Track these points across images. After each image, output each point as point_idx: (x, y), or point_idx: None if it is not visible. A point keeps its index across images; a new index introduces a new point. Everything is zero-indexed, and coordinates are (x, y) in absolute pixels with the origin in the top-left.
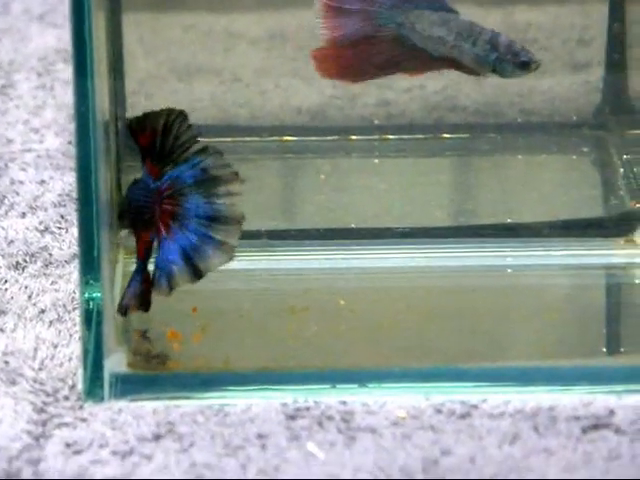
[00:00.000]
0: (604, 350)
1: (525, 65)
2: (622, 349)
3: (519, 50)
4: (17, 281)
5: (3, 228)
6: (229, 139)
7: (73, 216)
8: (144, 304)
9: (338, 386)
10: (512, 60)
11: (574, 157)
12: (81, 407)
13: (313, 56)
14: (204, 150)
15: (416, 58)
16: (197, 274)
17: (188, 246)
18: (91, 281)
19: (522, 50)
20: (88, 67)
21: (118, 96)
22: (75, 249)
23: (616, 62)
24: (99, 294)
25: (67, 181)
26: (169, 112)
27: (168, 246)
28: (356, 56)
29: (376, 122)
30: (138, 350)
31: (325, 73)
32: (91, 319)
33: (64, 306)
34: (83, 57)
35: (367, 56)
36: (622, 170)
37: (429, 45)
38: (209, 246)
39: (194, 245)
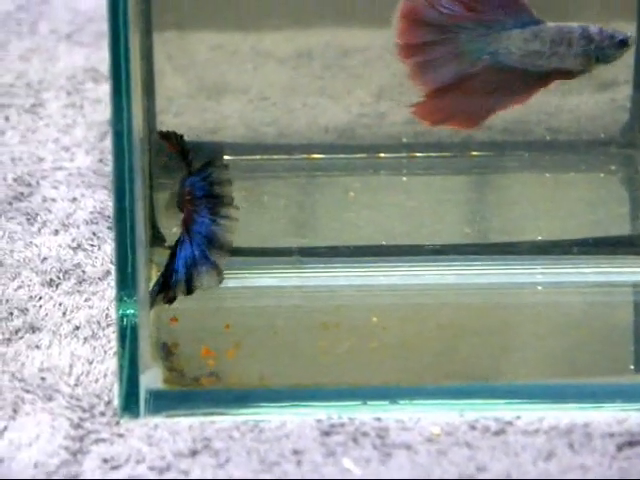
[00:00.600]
0: (632, 368)
1: (624, 43)
2: None
3: (612, 33)
4: (51, 298)
5: (36, 245)
6: (257, 157)
7: (105, 233)
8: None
9: (369, 403)
10: (610, 44)
11: (602, 175)
12: (117, 423)
13: (415, 112)
14: (212, 162)
15: (519, 80)
16: (189, 289)
17: (190, 259)
18: (125, 298)
19: (614, 32)
20: (124, 86)
21: (149, 114)
22: (107, 266)
23: None
24: (134, 311)
25: (98, 199)
26: None
27: (180, 253)
28: (460, 100)
29: (404, 140)
30: (173, 367)
31: (437, 124)
32: (126, 336)
33: (98, 323)
34: (119, 76)
35: (472, 95)
36: None
37: (528, 63)
38: (204, 265)
39: (195, 259)
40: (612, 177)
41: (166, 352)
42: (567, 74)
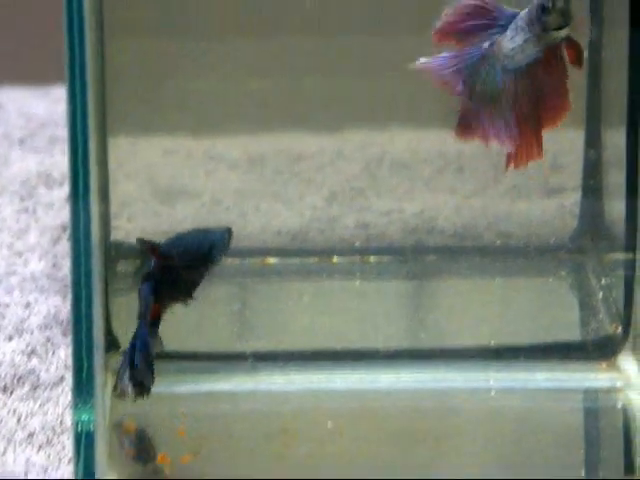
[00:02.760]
0: (583, 474)
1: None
2: (601, 474)
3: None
4: (5, 404)
5: None
6: None
7: (59, 339)
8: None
9: None
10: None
11: (552, 280)
12: None
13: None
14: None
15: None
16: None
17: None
18: (81, 404)
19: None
20: (81, 190)
21: (104, 219)
22: (62, 372)
23: (592, 187)
24: (89, 417)
25: (52, 303)
26: None
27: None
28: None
29: (357, 244)
30: (130, 473)
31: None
32: (81, 442)
33: (53, 429)
34: (78, 181)
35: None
36: (601, 294)
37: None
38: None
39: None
40: (562, 282)
41: (123, 458)
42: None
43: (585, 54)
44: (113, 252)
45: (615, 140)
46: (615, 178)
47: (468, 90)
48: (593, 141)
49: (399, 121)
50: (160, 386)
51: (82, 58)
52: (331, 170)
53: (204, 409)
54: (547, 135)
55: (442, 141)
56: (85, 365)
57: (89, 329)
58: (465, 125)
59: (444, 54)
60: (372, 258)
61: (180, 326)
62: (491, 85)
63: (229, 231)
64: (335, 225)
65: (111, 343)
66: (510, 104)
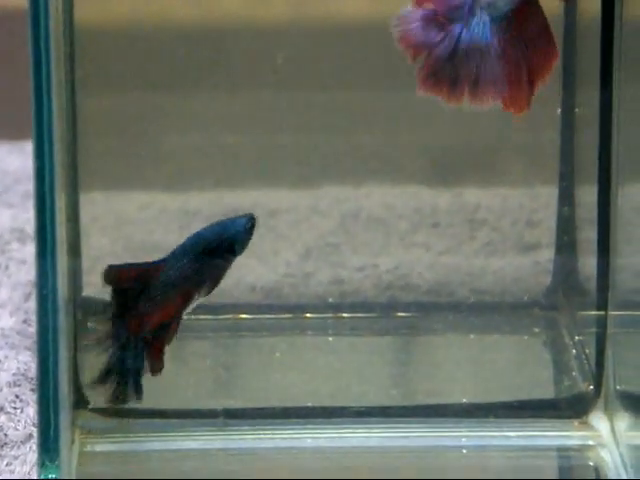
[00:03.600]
0: None
1: None
2: None
3: None
4: None
5: None
6: (184, 317)
7: (28, 396)
8: None
9: None
10: None
11: (526, 337)
12: None
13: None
14: None
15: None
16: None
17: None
18: (47, 462)
19: None
20: (49, 247)
21: (76, 274)
22: (30, 429)
23: (565, 244)
24: (56, 475)
25: (22, 360)
26: None
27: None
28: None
29: (330, 300)
30: None
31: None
32: None
33: None
34: (45, 238)
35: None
36: (574, 351)
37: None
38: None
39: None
40: (536, 339)
41: None
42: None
43: (558, 112)
44: (84, 308)
45: (588, 197)
46: (588, 235)
47: (450, 46)
48: (566, 198)
49: (374, 177)
50: (129, 444)
51: (49, 114)
52: (306, 225)
53: (173, 467)
54: (521, 192)
55: (417, 197)
56: (52, 423)
57: (55, 386)
58: (433, 80)
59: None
60: (345, 314)
61: (151, 383)
62: (479, 38)
63: (251, 218)
64: (309, 281)
65: (79, 400)
66: (499, 56)
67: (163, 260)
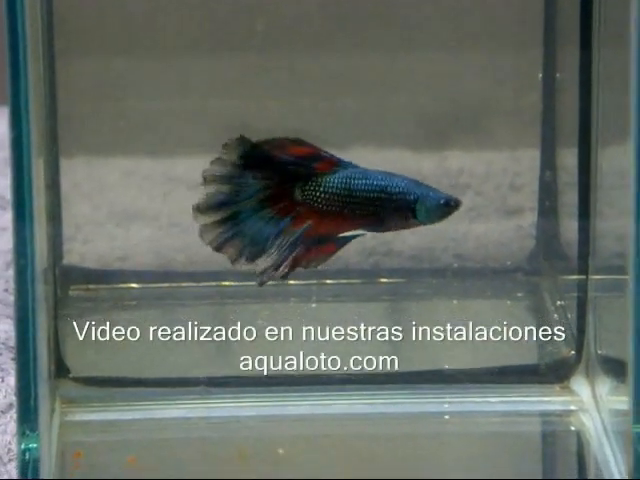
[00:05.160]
0: None
1: None
2: None
3: None
4: None
5: None
6: (166, 284)
7: (9, 365)
8: None
9: None
10: None
11: (509, 302)
12: None
13: None
14: None
15: None
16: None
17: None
18: (28, 432)
19: None
20: (27, 215)
21: (56, 242)
22: (11, 399)
23: (548, 208)
24: (36, 445)
25: (2, 329)
26: None
27: None
28: None
29: None
30: None
31: None
32: (27, 470)
33: (0, 458)
34: (23, 204)
35: None
36: (556, 316)
37: None
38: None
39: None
40: (519, 304)
41: None
42: None
43: (540, 76)
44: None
45: (570, 161)
46: (570, 199)
47: None
48: (549, 162)
49: (358, 141)
50: (110, 413)
51: (25, 82)
52: None
53: (155, 436)
54: (505, 155)
55: (401, 161)
56: (31, 393)
57: (35, 356)
58: None
59: None
60: (329, 281)
61: (131, 352)
62: None
63: (453, 200)
64: None
65: (60, 369)
66: None
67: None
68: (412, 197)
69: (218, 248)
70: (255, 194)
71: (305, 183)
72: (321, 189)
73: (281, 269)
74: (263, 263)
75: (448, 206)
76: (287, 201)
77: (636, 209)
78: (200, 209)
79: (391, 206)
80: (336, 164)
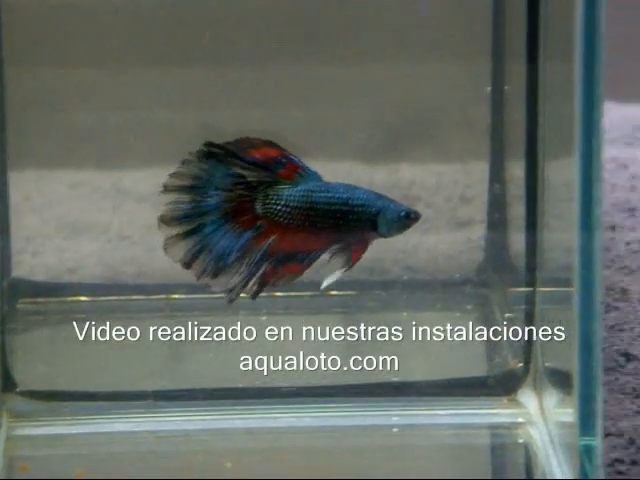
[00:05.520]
0: None
1: None
2: None
3: None
4: None
5: None
6: (114, 298)
7: None
8: None
9: None
10: None
11: (458, 314)
12: None
13: None
14: None
15: None
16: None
17: None
18: None
19: None
20: None
21: (4, 255)
22: None
23: (497, 221)
24: None
25: None
26: None
27: None
28: None
29: None
30: None
31: None
32: None
33: None
34: None
35: None
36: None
37: None
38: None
39: None
40: (468, 317)
41: None
42: None
43: (488, 88)
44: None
45: (518, 173)
46: (519, 212)
47: None
48: (498, 174)
49: (309, 152)
50: (57, 428)
51: None
52: None
53: (102, 450)
54: (455, 167)
55: (353, 173)
56: None
57: None
58: None
59: None
60: (279, 293)
61: (78, 365)
62: None
63: (413, 213)
64: None
65: (7, 382)
66: None
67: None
68: (373, 209)
69: (187, 265)
70: (218, 206)
71: (266, 196)
72: (282, 202)
73: (249, 286)
74: (227, 279)
75: (408, 218)
76: (249, 214)
77: (581, 221)
78: (164, 220)
79: (353, 218)
80: (300, 171)
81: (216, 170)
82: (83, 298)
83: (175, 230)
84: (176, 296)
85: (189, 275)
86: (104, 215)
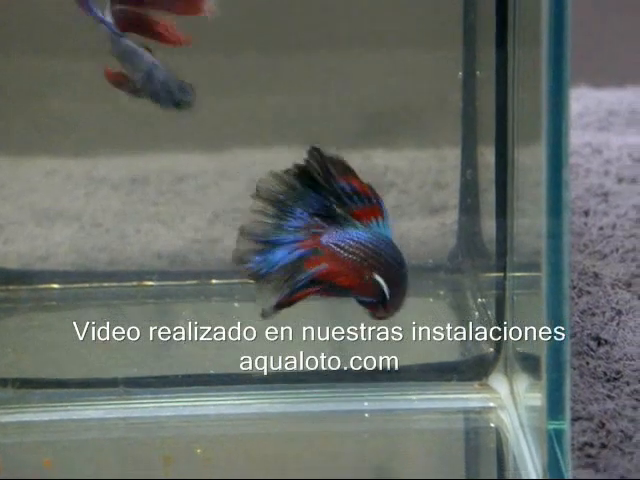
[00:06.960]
0: None
1: None
2: None
3: None
4: None
5: None
6: (87, 285)
7: None
8: None
9: None
10: None
11: (431, 300)
12: None
13: None
14: None
15: None
16: None
17: None
18: None
19: None
20: None
21: None
22: None
23: (470, 206)
24: None
25: None
26: None
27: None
28: None
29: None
30: None
31: None
32: None
33: None
34: None
35: None
36: (477, 313)
37: None
38: None
39: None
40: (440, 302)
41: None
42: None
43: (460, 74)
44: None
45: (489, 159)
46: (491, 197)
47: None
48: (470, 160)
49: (283, 140)
50: (27, 415)
51: None
52: (214, 190)
53: (72, 437)
54: (429, 153)
55: None
56: None
57: None
58: None
59: None
60: (252, 280)
61: (48, 352)
62: None
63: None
64: (215, 247)
65: None
66: None
67: None
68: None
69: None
70: (297, 229)
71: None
72: (351, 240)
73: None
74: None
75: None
76: (315, 239)
77: (548, 205)
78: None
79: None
80: (380, 217)
81: (308, 189)
82: (55, 285)
83: (248, 246)
84: (149, 283)
85: (161, 262)
86: (77, 202)
